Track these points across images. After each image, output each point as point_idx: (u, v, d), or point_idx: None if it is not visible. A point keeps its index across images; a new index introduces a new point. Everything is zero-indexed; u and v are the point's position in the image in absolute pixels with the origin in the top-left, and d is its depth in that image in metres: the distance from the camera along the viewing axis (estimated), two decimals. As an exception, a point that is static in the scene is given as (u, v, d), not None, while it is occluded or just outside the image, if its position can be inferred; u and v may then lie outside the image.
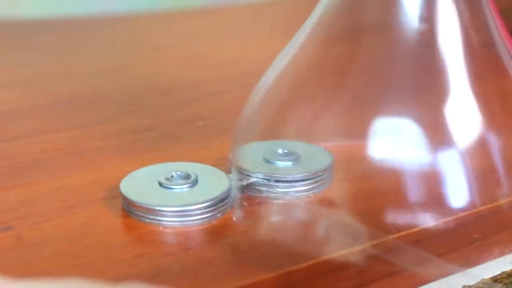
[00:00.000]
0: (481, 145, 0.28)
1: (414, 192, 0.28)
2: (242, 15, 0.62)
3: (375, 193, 0.28)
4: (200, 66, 0.46)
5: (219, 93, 0.40)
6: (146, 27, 0.57)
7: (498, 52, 0.28)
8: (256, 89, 0.29)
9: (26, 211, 0.27)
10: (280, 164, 0.28)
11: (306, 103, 0.30)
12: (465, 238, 0.26)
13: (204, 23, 0.58)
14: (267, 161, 0.28)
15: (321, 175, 0.28)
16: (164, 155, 0.31)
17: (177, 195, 0.26)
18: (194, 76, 0.44)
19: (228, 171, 0.28)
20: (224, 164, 0.29)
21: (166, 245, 0.25)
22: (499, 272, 0.25)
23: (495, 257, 0.26)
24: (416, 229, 0.26)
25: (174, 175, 0.27)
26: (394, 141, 0.28)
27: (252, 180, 0.27)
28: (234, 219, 0.26)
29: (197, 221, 0.26)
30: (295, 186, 0.28)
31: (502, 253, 0.26)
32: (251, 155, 0.29)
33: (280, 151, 0.29)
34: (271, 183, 0.27)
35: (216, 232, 0.26)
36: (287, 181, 0.27)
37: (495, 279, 0.25)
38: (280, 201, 0.27)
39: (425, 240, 0.26)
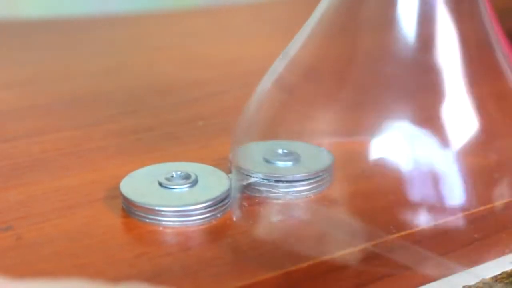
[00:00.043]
0: (481, 145, 0.28)
1: (414, 192, 0.28)
2: (242, 15, 0.62)
3: (375, 193, 0.28)
4: (200, 66, 0.46)
5: (219, 93, 0.40)
6: (146, 27, 0.57)
7: (494, 53, 0.28)
8: (256, 89, 0.29)
9: (26, 211, 0.27)
10: (280, 164, 0.28)
11: (306, 103, 0.30)
12: (465, 238, 0.26)
13: (204, 23, 0.58)
14: (267, 161, 0.28)
15: (321, 175, 0.28)
16: (164, 155, 0.31)
17: (177, 195, 0.26)
18: (194, 76, 0.44)
19: (228, 171, 0.28)
20: (224, 164, 0.29)
21: (166, 245, 0.25)
22: (499, 272, 0.25)
23: (495, 257, 0.26)
24: (416, 229, 0.26)
25: (174, 175, 0.27)
26: (394, 141, 0.28)
27: (252, 180, 0.27)
28: (234, 219, 0.26)
29: (197, 221, 0.26)
30: (295, 186, 0.28)
31: (502, 253, 0.26)
32: (251, 155, 0.29)
33: (280, 151, 0.29)
34: (271, 183, 0.27)
35: (216, 232, 0.26)
36: (287, 181, 0.27)
37: (495, 279, 0.25)
38: (280, 201, 0.27)
39: (425, 240, 0.26)
